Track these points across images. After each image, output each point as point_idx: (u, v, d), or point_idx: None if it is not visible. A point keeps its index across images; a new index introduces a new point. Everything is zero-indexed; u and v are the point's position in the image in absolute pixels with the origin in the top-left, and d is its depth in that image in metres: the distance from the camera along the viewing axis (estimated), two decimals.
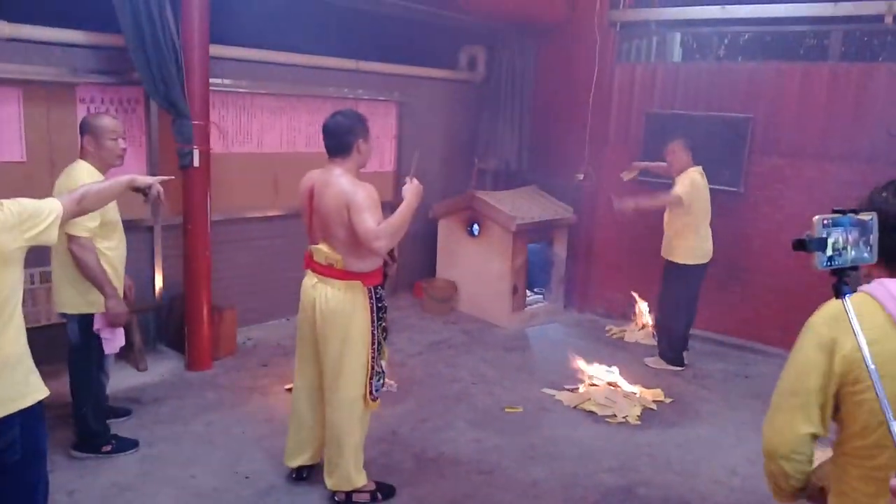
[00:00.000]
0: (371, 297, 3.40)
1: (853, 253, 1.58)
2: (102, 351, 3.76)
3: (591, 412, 4.78)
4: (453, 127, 7.33)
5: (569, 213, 6.86)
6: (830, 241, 1.55)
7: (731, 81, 6.26)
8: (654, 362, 5.74)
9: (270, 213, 5.93)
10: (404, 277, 7.17)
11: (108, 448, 3.86)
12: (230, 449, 4.02)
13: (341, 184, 3.27)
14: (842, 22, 5.85)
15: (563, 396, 5.01)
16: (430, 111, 7.05)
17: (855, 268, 1.58)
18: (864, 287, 1.70)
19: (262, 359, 5.37)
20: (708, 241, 5.52)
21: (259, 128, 5.74)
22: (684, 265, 5.48)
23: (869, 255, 1.61)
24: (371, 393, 3.46)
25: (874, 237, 1.60)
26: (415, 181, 3.43)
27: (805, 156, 5.96)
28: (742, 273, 6.34)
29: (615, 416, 4.73)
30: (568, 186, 6.95)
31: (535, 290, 7.11)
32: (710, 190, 5.58)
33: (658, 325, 5.95)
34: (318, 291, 3.37)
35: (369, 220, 3.19)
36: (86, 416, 3.80)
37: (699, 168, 5.48)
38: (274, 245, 5.99)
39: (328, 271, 3.36)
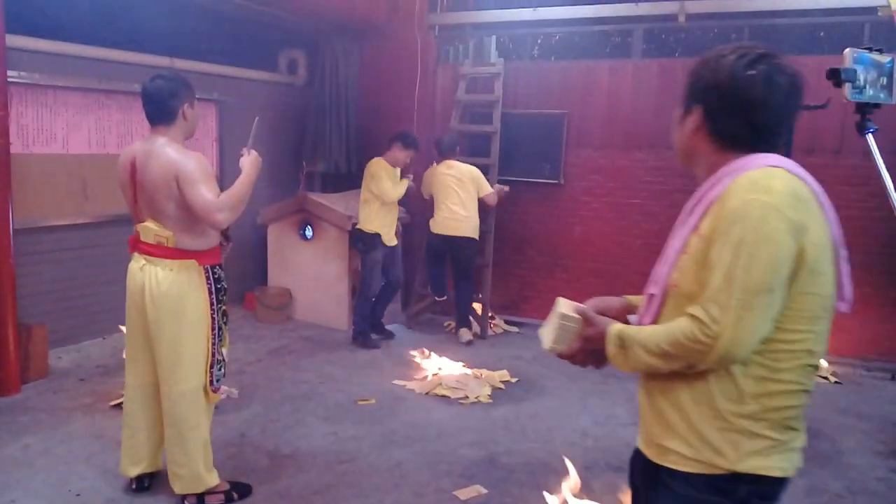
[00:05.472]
0: (209, 278, 3.15)
1: (871, 92, 1.66)
2: None
3: (444, 396, 4.76)
4: (278, 130, 7.09)
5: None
6: (860, 74, 1.58)
7: (546, 80, 6.60)
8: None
9: (80, 221, 5.34)
10: (232, 289, 6.77)
11: None
12: (55, 470, 3.53)
13: (167, 154, 3.00)
14: (642, 21, 6.35)
15: (414, 385, 4.95)
16: (252, 113, 6.75)
17: (878, 105, 1.64)
18: (772, 160, 1.50)
19: (80, 379, 4.81)
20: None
21: (64, 126, 5.19)
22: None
23: (886, 97, 1.69)
24: (212, 383, 3.20)
25: (892, 81, 1.64)
26: (253, 152, 3.25)
27: (615, 146, 6.39)
28: (566, 260, 6.66)
29: (467, 397, 4.74)
30: None
31: None
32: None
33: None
34: (148, 274, 3.07)
35: (206, 192, 2.96)
36: None
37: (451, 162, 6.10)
38: (85, 256, 5.40)
39: (158, 251, 3.07)
